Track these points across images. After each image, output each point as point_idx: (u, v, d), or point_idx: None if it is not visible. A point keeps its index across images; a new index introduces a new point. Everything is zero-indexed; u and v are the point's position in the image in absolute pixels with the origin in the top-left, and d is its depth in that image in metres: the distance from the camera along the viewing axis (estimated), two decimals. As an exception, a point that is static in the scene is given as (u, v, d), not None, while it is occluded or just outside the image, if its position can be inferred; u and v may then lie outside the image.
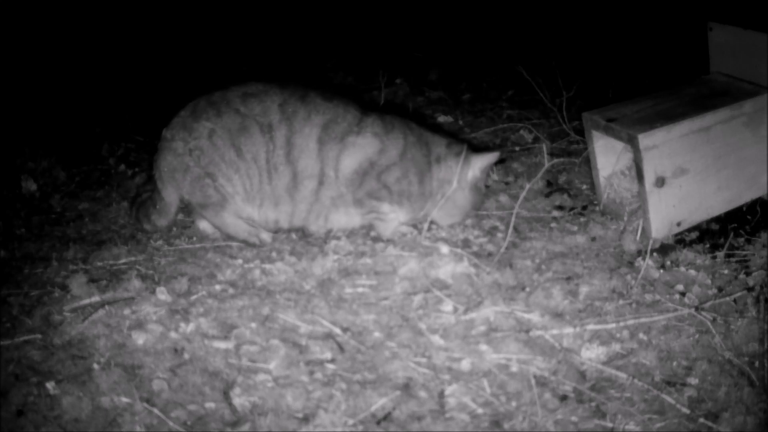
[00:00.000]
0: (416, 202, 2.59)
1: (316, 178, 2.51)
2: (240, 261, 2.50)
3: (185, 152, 2.52)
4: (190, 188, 2.55)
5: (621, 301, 2.22)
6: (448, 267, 2.38)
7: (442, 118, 3.56)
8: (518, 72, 3.36)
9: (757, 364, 1.95)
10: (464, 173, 2.59)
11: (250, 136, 2.49)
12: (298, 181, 2.51)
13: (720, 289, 2.27)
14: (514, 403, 1.89)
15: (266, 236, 2.59)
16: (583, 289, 2.27)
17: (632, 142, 2.43)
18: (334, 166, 2.51)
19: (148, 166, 3.21)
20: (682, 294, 2.26)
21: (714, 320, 2.11)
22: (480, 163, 2.60)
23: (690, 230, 2.57)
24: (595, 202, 2.74)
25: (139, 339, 2.09)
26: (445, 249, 2.49)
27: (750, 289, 2.24)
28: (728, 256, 2.43)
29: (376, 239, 2.59)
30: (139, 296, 2.27)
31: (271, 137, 2.48)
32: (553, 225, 2.66)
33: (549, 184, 2.95)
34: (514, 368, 2.00)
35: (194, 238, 2.66)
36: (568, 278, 2.34)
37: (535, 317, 2.17)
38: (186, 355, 2.06)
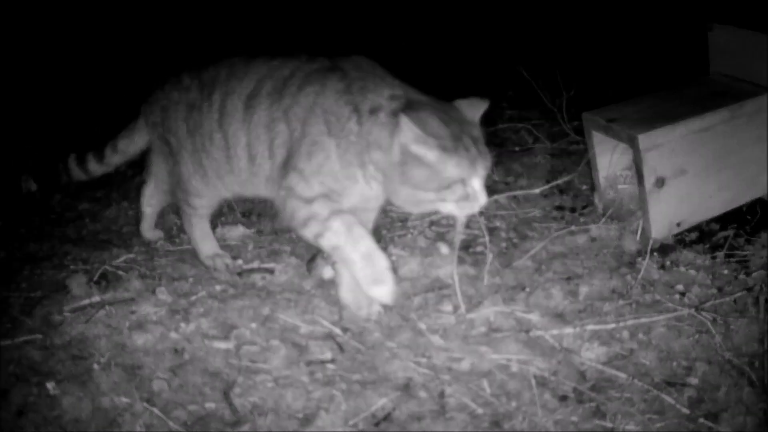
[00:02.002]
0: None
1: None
2: (240, 261, 2.50)
3: (168, 107, 2.43)
4: (153, 141, 2.54)
5: (621, 301, 2.22)
6: (448, 267, 2.38)
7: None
8: (518, 72, 3.36)
9: (757, 364, 1.95)
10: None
11: None
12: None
13: (720, 289, 2.27)
14: (514, 403, 1.89)
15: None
16: (583, 289, 2.27)
17: (632, 142, 2.43)
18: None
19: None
20: (682, 294, 2.26)
21: (714, 320, 2.11)
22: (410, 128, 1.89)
23: (690, 230, 2.57)
24: (596, 202, 2.74)
25: (140, 339, 2.09)
26: (445, 249, 2.49)
27: (750, 289, 2.23)
28: (728, 256, 2.43)
29: (376, 239, 2.58)
30: (139, 296, 2.26)
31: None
32: (553, 225, 2.66)
33: (548, 182, 2.95)
34: (514, 368, 2.00)
35: (194, 238, 2.65)
36: (568, 278, 2.34)
37: (535, 317, 2.17)
38: (186, 356, 2.06)
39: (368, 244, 2.03)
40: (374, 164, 1.98)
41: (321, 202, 2.05)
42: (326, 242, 2.04)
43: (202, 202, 2.44)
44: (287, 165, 2.09)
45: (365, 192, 2.06)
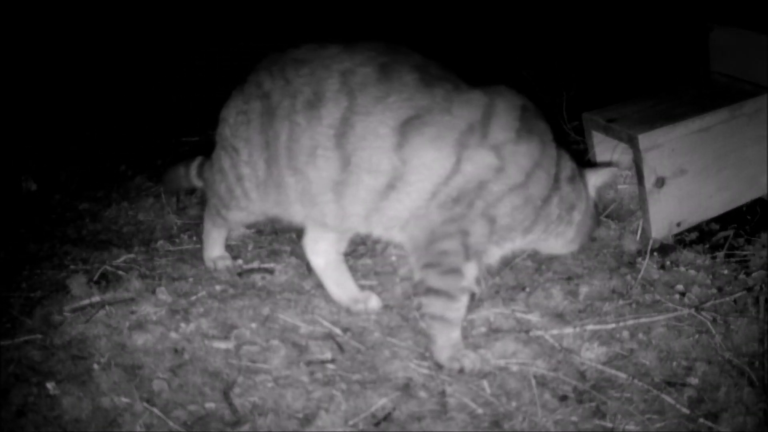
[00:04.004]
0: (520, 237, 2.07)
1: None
2: (240, 261, 2.50)
3: (235, 106, 2.15)
4: (216, 138, 2.24)
5: (621, 301, 2.22)
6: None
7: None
8: (518, 72, 3.36)
9: (757, 364, 1.96)
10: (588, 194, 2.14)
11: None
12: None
13: (720, 289, 2.27)
14: (514, 403, 1.89)
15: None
16: (583, 289, 2.27)
17: (632, 142, 2.43)
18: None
19: (148, 167, 3.22)
20: (682, 294, 2.26)
21: (714, 320, 2.11)
22: (595, 180, 2.16)
23: (690, 230, 2.57)
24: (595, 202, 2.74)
25: (140, 339, 2.09)
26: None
27: (750, 289, 2.23)
28: (728, 256, 2.43)
29: (377, 239, 2.58)
30: (139, 296, 2.26)
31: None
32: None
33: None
34: (514, 368, 2.00)
35: (194, 238, 2.66)
36: (568, 278, 2.34)
37: (535, 317, 2.17)
38: (186, 356, 2.06)
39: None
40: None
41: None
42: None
43: (241, 216, 2.28)
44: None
45: None
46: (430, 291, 1.97)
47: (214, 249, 2.48)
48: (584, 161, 2.75)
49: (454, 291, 1.97)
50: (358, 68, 1.94)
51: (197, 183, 2.45)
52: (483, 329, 2.15)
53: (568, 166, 2.06)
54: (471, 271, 1.99)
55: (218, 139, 2.21)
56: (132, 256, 2.51)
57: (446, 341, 2.00)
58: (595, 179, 2.16)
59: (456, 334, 2.01)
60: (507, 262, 2.39)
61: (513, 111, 1.95)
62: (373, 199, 1.94)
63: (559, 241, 2.13)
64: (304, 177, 1.98)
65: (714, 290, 2.27)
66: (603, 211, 2.67)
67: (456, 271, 1.96)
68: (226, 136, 2.15)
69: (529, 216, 1.99)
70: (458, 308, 2.00)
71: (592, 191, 2.16)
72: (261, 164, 2.07)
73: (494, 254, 2.09)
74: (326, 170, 1.94)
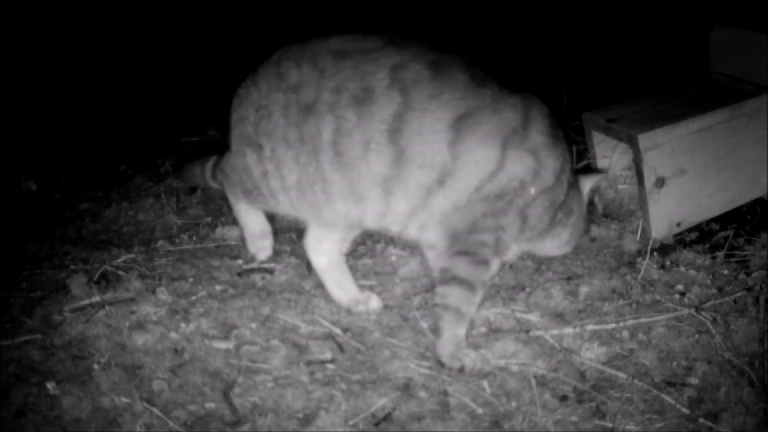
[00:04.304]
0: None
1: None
2: (240, 261, 2.50)
3: (254, 104, 2.08)
4: (234, 138, 2.14)
5: (621, 301, 2.22)
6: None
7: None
8: (518, 72, 3.36)
9: (757, 364, 1.96)
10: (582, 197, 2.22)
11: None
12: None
13: (720, 289, 2.27)
14: (514, 403, 1.89)
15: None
16: (583, 289, 2.27)
17: (632, 142, 2.43)
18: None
19: (148, 167, 3.22)
20: (682, 294, 2.26)
21: (714, 320, 2.11)
22: (589, 185, 2.24)
23: (690, 230, 2.57)
24: (595, 202, 2.74)
25: (140, 339, 2.09)
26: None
27: (750, 289, 2.24)
28: (728, 256, 2.43)
29: (377, 239, 2.58)
30: (139, 296, 2.26)
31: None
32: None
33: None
34: (514, 368, 2.00)
35: (194, 238, 2.66)
36: (568, 278, 2.34)
37: (535, 317, 2.17)
38: (186, 356, 2.06)
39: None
40: None
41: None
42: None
43: (266, 208, 2.23)
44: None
45: None
46: (455, 280, 2.01)
47: (255, 225, 2.30)
48: (585, 161, 2.76)
49: (478, 283, 2.02)
50: (408, 64, 1.95)
51: (213, 184, 2.37)
52: (483, 329, 2.15)
53: (570, 171, 2.12)
54: (495, 266, 2.09)
55: (238, 140, 2.12)
56: (132, 256, 2.51)
57: (451, 336, 2.02)
58: (589, 184, 2.23)
59: (462, 331, 2.03)
60: (506, 262, 2.40)
61: (545, 118, 2.03)
62: (421, 195, 1.98)
63: (555, 242, 2.19)
64: (354, 172, 1.97)
65: (714, 290, 2.27)
66: (599, 214, 2.67)
67: (485, 263, 2.02)
68: (249, 133, 2.08)
69: (551, 218, 2.09)
70: (474, 303, 2.04)
71: (585, 196, 2.23)
72: (288, 160, 2.02)
73: (513, 253, 2.17)
74: (378, 165, 1.95)
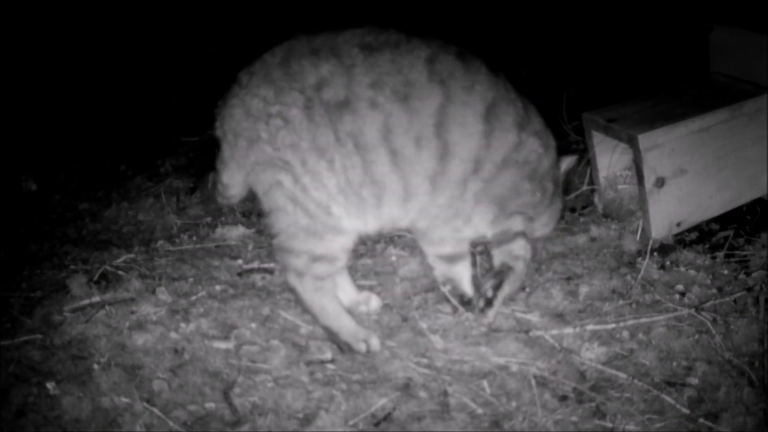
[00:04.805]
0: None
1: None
2: (240, 261, 2.50)
3: (261, 116, 1.93)
4: (252, 172, 1.97)
5: (621, 302, 2.22)
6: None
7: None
8: (518, 72, 3.36)
9: (757, 364, 1.96)
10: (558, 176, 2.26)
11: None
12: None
13: (720, 289, 2.27)
14: (514, 403, 1.89)
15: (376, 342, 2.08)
16: (583, 289, 2.27)
17: (632, 142, 2.43)
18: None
19: (148, 167, 3.22)
20: (682, 294, 2.26)
21: (714, 320, 2.11)
22: (566, 165, 2.29)
23: (690, 230, 2.57)
24: (595, 202, 2.74)
25: (140, 339, 2.09)
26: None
27: (750, 289, 2.23)
28: (728, 256, 2.43)
29: (377, 239, 2.58)
30: (139, 296, 2.27)
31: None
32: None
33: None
34: (514, 368, 2.00)
35: (194, 238, 2.66)
36: (568, 278, 2.34)
37: (535, 317, 2.17)
38: (186, 356, 2.06)
39: None
40: None
41: None
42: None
43: (342, 241, 2.05)
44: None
45: None
46: (518, 234, 2.15)
47: (345, 315, 2.11)
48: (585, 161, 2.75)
49: (530, 237, 2.19)
50: (440, 56, 1.95)
51: (220, 199, 2.20)
52: (483, 329, 2.15)
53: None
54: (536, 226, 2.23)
55: (262, 171, 1.94)
56: (132, 256, 2.52)
57: (505, 294, 2.16)
58: (565, 165, 2.29)
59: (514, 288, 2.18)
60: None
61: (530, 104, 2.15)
62: (459, 187, 2.01)
63: (544, 220, 2.25)
64: (408, 171, 1.95)
65: (714, 290, 2.27)
66: (599, 214, 2.67)
67: (532, 221, 2.18)
68: (269, 155, 1.91)
69: (553, 192, 2.21)
70: (530, 250, 2.19)
71: (561, 176, 2.29)
72: (323, 169, 1.91)
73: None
74: (428, 161, 1.95)
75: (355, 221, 2.01)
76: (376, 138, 1.91)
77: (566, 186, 2.39)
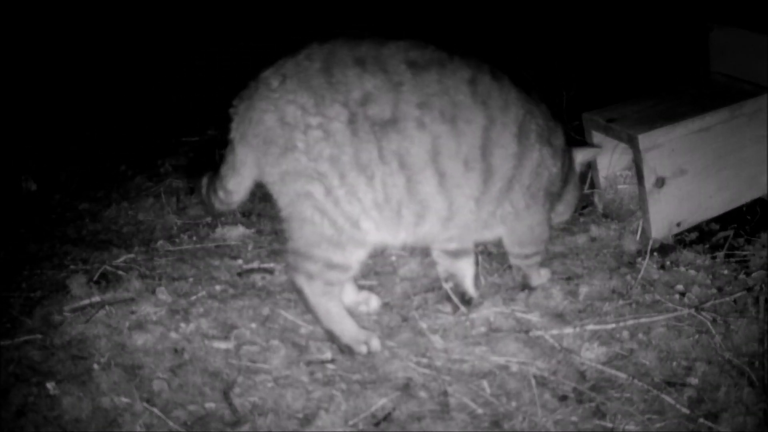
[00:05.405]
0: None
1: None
2: (240, 261, 2.50)
3: (298, 125, 1.86)
4: (280, 181, 1.92)
5: (621, 302, 2.22)
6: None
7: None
8: (518, 72, 3.36)
9: (757, 364, 1.96)
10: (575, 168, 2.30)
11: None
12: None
13: (720, 289, 2.27)
14: (514, 403, 1.89)
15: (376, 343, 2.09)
16: (583, 290, 2.27)
17: (632, 142, 2.43)
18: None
19: (148, 167, 3.22)
20: (682, 294, 2.26)
21: (714, 320, 2.11)
22: (583, 157, 2.33)
23: (690, 230, 2.57)
24: (595, 202, 2.74)
25: (140, 339, 2.09)
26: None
27: (750, 289, 2.24)
28: (728, 256, 2.43)
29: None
30: (139, 296, 2.26)
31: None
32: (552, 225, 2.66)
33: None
34: (514, 368, 2.00)
35: (194, 238, 2.66)
36: (568, 278, 2.34)
37: (535, 317, 2.17)
38: (186, 356, 2.06)
39: None
40: None
41: None
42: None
43: (361, 253, 2.02)
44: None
45: None
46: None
47: (347, 318, 2.10)
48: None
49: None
50: (479, 76, 1.95)
51: (218, 205, 2.17)
52: (483, 329, 2.15)
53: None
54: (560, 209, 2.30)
55: (292, 181, 1.90)
56: (132, 256, 2.51)
57: (537, 278, 2.30)
58: (581, 156, 2.32)
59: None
60: (506, 260, 2.40)
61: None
62: (494, 205, 2.05)
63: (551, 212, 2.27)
64: (458, 192, 1.95)
65: (714, 290, 2.27)
66: (599, 214, 2.67)
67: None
68: (304, 166, 1.86)
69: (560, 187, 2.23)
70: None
71: (577, 168, 2.32)
72: (362, 184, 1.88)
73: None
74: (475, 183, 1.96)
75: (384, 235, 2.00)
76: (424, 159, 1.90)
77: (583, 177, 2.45)
